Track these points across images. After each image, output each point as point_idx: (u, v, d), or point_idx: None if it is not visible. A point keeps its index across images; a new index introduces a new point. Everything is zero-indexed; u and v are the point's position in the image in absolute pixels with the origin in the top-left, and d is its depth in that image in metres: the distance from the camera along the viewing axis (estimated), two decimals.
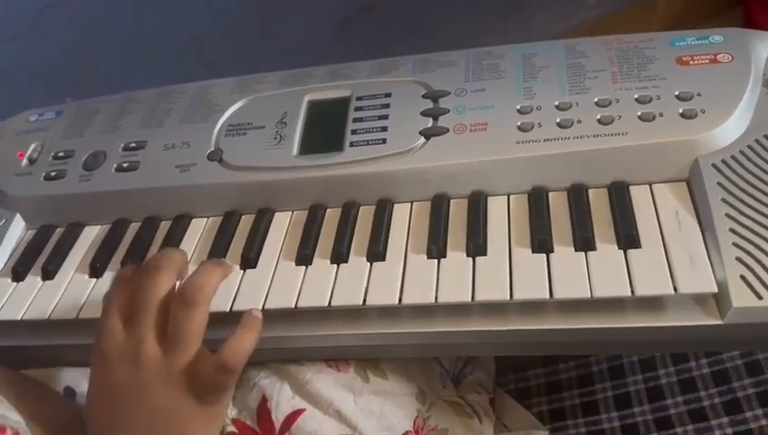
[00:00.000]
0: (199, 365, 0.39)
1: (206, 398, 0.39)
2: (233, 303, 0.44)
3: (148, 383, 0.38)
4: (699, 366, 0.51)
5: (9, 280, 0.50)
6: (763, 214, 0.39)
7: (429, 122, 0.49)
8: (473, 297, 0.40)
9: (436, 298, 0.41)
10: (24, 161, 0.57)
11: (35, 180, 0.55)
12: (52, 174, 0.55)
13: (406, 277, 0.43)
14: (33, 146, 0.57)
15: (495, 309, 0.41)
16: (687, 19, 1.25)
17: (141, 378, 0.39)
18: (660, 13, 1.25)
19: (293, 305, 0.43)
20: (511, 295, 0.40)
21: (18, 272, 0.50)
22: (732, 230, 0.39)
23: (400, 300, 0.42)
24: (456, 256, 0.43)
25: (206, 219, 0.51)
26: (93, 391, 0.40)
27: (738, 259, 0.37)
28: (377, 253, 0.44)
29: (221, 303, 0.43)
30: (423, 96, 0.50)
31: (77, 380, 0.49)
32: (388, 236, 0.46)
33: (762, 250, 0.37)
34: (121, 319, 0.40)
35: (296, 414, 0.44)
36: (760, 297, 0.36)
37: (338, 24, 1.05)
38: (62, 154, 0.56)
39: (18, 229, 0.54)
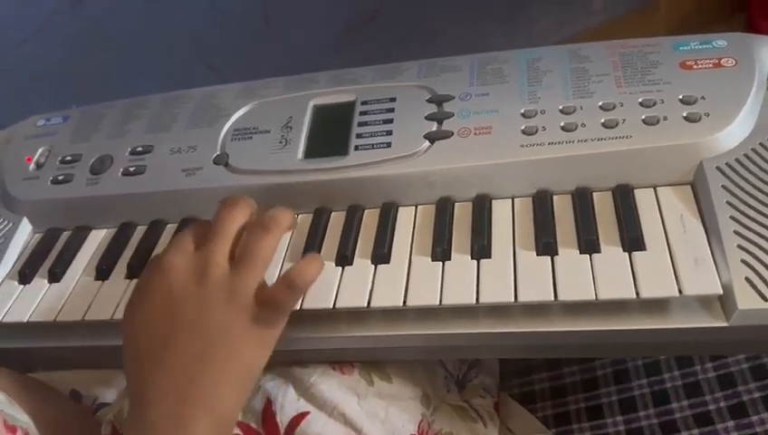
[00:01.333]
0: (264, 286, 0.40)
1: (264, 317, 0.40)
2: None
3: (210, 298, 0.39)
4: (705, 370, 0.51)
5: (16, 283, 0.51)
6: (767, 216, 0.39)
7: (434, 126, 0.49)
8: (477, 299, 0.40)
9: (440, 300, 0.41)
10: (32, 166, 0.57)
11: (43, 184, 0.55)
12: (60, 178, 0.55)
13: (410, 279, 0.43)
14: (40, 150, 0.58)
15: (500, 311, 0.41)
16: (690, 25, 1.26)
17: (205, 292, 0.39)
18: (663, 19, 1.26)
19: (298, 307, 0.43)
20: (515, 298, 0.40)
21: (25, 274, 0.51)
22: (736, 232, 0.39)
23: (405, 302, 0.42)
24: (461, 259, 0.43)
25: None
26: (149, 303, 0.40)
27: (743, 261, 0.37)
28: (381, 255, 0.45)
29: None
30: (427, 100, 0.51)
31: (83, 382, 0.50)
32: (392, 239, 0.46)
33: (767, 252, 0.37)
34: (194, 244, 0.42)
35: (301, 417, 0.45)
36: (765, 299, 0.36)
37: (343, 27, 1.05)
38: (69, 158, 0.56)
39: (25, 233, 0.55)
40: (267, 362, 0.46)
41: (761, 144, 0.43)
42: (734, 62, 0.47)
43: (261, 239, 0.40)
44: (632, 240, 0.41)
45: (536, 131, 0.46)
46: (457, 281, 0.42)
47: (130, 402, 0.39)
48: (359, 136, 0.50)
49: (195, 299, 0.39)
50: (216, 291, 0.39)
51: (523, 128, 0.47)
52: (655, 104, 0.45)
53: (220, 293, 0.39)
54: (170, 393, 0.38)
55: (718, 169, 0.42)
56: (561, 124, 0.46)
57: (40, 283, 0.50)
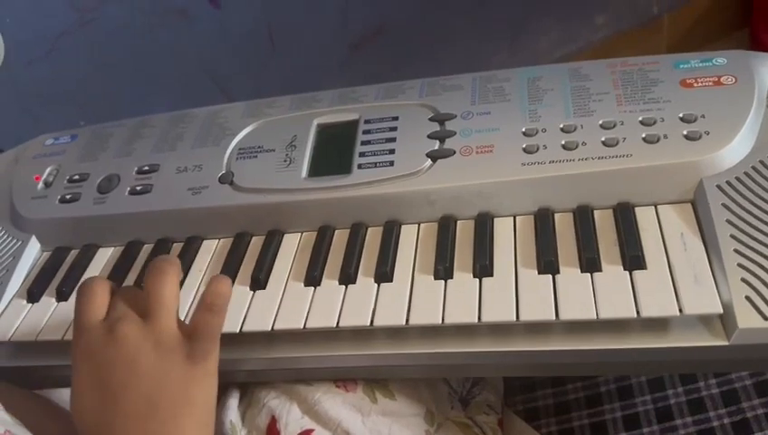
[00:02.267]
0: (183, 322, 0.40)
1: (196, 349, 0.39)
2: (242, 324, 0.45)
3: (134, 354, 0.39)
4: (708, 386, 0.50)
5: (24, 301, 0.51)
6: (767, 234, 0.39)
7: (436, 145, 0.49)
8: (479, 318, 0.41)
9: (442, 319, 0.41)
10: (40, 184, 0.58)
11: (51, 203, 0.56)
12: (67, 197, 0.56)
13: (413, 298, 0.43)
14: (48, 169, 0.59)
15: (502, 330, 0.42)
16: (694, 40, 1.26)
17: (127, 351, 0.39)
18: (666, 34, 1.26)
19: (302, 326, 0.43)
20: (517, 317, 0.40)
21: (33, 293, 0.51)
22: (737, 251, 0.39)
23: (407, 320, 0.42)
24: (463, 277, 0.43)
25: (217, 241, 0.52)
26: (83, 392, 0.40)
27: (743, 280, 0.38)
28: (384, 274, 0.45)
29: (231, 324, 0.44)
30: (430, 119, 0.51)
31: None
32: (395, 258, 0.46)
33: (767, 271, 0.38)
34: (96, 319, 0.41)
35: (305, 434, 0.45)
36: (766, 318, 0.36)
37: (347, 44, 1.06)
38: (76, 177, 0.57)
39: (34, 251, 0.55)
40: (271, 380, 0.47)
41: (761, 162, 0.43)
42: (734, 79, 0.47)
43: (159, 282, 0.40)
44: (633, 259, 0.41)
45: (537, 150, 0.47)
46: (460, 300, 0.42)
47: None
48: (362, 154, 0.50)
49: (120, 362, 0.39)
50: (139, 345, 0.39)
51: (524, 146, 0.47)
52: (655, 123, 0.46)
53: (143, 345, 0.39)
54: None
55: (718, 187, 0.42)
56: (562, 143, 0.46)
57: (48, 301, 0.51)
